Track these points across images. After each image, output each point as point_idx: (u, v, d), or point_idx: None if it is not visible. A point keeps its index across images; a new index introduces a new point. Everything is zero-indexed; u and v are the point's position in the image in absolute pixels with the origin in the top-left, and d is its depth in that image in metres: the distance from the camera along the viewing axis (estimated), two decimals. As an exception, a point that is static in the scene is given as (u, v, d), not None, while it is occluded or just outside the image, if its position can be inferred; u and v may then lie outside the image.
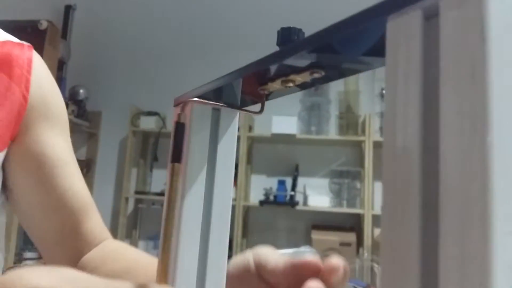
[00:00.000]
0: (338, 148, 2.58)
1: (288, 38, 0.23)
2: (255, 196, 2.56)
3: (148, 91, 2.82)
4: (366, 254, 2.34)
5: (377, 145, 2.35)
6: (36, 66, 0.50)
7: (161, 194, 2.72)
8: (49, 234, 0.51)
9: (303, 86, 0.24)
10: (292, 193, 2.46)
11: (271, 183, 2.55)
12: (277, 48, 0.22)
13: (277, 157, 2.64)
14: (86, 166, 2.81)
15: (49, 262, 0.53)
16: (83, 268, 0.50)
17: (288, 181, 2.52)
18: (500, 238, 0.11)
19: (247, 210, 2.51)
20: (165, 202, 0.28)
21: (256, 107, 0.28)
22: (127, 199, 2.69)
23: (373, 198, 2.39)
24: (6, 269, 0.50)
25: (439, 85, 0.13)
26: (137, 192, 2.77)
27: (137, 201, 2.82)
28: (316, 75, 0.22)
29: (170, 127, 2.55)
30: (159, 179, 2.80)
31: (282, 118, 2.37)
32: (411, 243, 0.14)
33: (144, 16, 2.93)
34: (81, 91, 2.71)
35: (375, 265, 2.15)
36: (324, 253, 2.25)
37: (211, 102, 0.28)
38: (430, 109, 0.14)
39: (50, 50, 2.09)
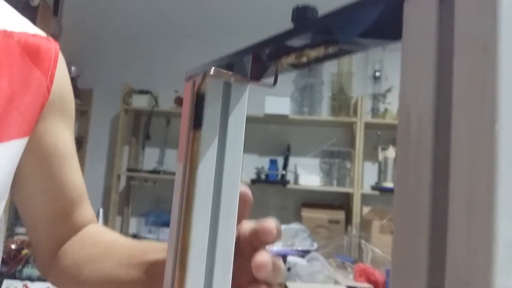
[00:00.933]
0: (330, 129, 2.61)
1: (303, 15, 0.24)
2: (247, 175, 2.59)
3: (140, 70, 2.80)
4: (354, 231, 2.40)
5: (368, 126, 2.39)
6: (60, 61, 0.52)
7: (153, 171, 2.74)
8: (43, 219, 0.54)
9: (316, 61, 0.25)
10: (284, 172, 2.49)
11: (263, 162, 2.58)
12: (285, 24, 0.24)
13: (269, 137, 2.66)
14: (78, 144, 2.79)
15: (36, 243, 0.57)
16: (64, 252, 0.54)
17: (280, 161, 2.55)
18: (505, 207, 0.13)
19: (238, 188, 2.55)
20: (181, 167, 0.30)
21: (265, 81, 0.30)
22: (118, 176, 2.70)
23: (363, 177, 2.44)
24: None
25: (453, 58, 0.15)
26: (129, 170, 2.78)
27: (129, 179, 2.84)
28: (330, 50, 0.23)
29: (162, 106, 2.55)
30: (151, 157, 2.81)
31: (275, 98, 2.38)
32: (422, 208, 0.16)
33: (135, -9, 2.88)
34: (73, 68, 2.67)
35: (363, 241, 2.21)
36: (314, 230, 2.31)
37: (226, 76, 0.29)
38: (444, 80, 0.15)
39: (41, 27, 2.05)
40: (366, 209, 2.32)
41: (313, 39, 0.23)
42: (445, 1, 0.16)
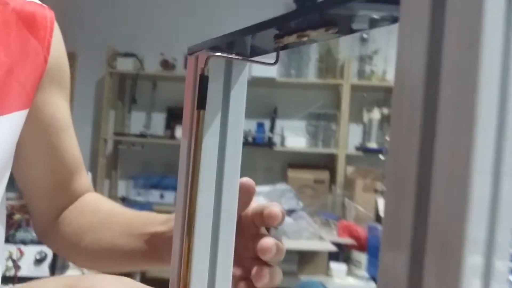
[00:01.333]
0: (316, 91, 2.64)
1: (305, -4, 0.25)
2: (234, 138, 2.62)
3: (125, 32, 2.73)
4: (338, 190, 2.49)
5: (354, 88, 2.42)
6: (56, 29, 0.51)
7: (140, 135, 2.74)
8: (42, 188, 0.55)
9: (315, 39, 0.27)
10: (270, 134, 2.53)
11: (250, 125, 2.61)
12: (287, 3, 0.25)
13: (256, 100, 2.67)
14: (62, 108, 2.77)
15: (34, 210, 0.58)
16: (64, 219, 0.56)
17: (267, 124, 2.59)
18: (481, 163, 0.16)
19: (226, 151, 2.59)
20: (186, 145, 0.32)
21: (268, 58, 0.32)
22: (105, 140, 2.70)
23: (347, 139, 2.50)
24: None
25: (442, 47, 0.17)
26: (116, 134, 2.77)
27: (116, 143, 2.84)
28: (330, 31, 0.25)
29: (148, 69, 2.51)
30: (137, 121, 2.80)
31: (261, 60, 2.37)
32: (411, 173, 0.18)
33: None
34: (52, 29, 2.59)
35: (346, 200, 2.31)
36: (299, 190, 2.38)
37: (229, 56, 0.31)
38: (434, 63, 0.18)
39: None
40: (350, 169, 2.40)
41: (314, 21, 0.25)
42: None
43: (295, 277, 1.76)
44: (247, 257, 0.37)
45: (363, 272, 1.72)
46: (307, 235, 1.89)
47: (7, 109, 0.46)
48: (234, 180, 0.34)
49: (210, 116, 0.32)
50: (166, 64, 2.64)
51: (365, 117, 2.39)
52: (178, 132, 2.62)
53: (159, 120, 2.83)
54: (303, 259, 1.81)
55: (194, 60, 0.34)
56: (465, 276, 0.15)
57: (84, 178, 0.59)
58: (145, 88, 2.76)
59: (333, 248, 1.79)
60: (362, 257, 1.79)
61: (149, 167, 2.84)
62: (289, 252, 1.74)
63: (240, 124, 0.35)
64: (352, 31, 0.26)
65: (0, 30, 0.45)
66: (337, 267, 1.79)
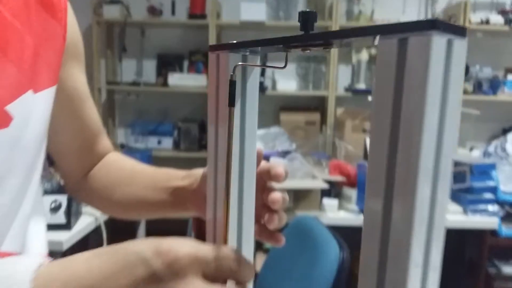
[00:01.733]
0: (305, 33, 2.64)
1: (307, 21, 0.33)
2: (226, 83, 2.67)
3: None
4: (328, 131, 2.60)
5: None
6: (69, 7, 0.54)
7: (133, 84, 2.77)
8: (70, 151, 0.63)
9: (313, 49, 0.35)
10: (262, 79, 2.58)
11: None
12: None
13: (247, 44, 2.68)
14: (52, 59, 2.75)
15: (65, 172, 0.66)
16: (92, 177, 0.64)
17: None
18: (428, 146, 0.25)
19: (219, 96, 2.64)
20: (214, 131, 0.41)
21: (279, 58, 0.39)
22: (99, 89, 2.73)
23: (337, 80, 2.57)
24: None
25: (403, 87, 0.26)
26: (108, 83, 2.79)
27: (109, 92, 2.87)
28: (326, 48, 0.33)
29: (135, 16, 2.47)
30: (129, 69, 2.81)
31: (250, 4, 2.36)
32: (383, 138, 0.27)
33: None
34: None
35: (337, 140, 2.43)
36: (292, 131, 2.49)
37: (252, 65, 0.39)
38: (399, 96, 0.26)
39: None
40: (339, 110, 2.49)
41: (315, 43, 0.33)
42: (402, 46, 0.26)
43: (292, 213, 1.87)
44: (258, 205, 0.46)
45: (354, 206, 1.87)
46: (301, 174, 2.02)
47: (40, 87, 0.49)
48: (252, 150, 0.43)
49: (237, 112, 0.40)
50: (153, 10, 2.60)
51: (354, 58, 2.43)
52: (171, 79, 2.65)
53: (150, 67, 2.84)
54: (298, 196, 1.92)
55: (215, 58, 0.42)
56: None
57: (106, 140, 0.67)
58: (134, 35, 2.73)
59: (325, 186, 1.90)
60: (352, 193, 1.93)
61: (145, 114, 2.90)
62: (285, 191, 1.87)
63: (255, 112, 0.43)
64: (343, 46, 0.34)
65: (22, 13, 0.47)
66: (329, 203, 1.93)
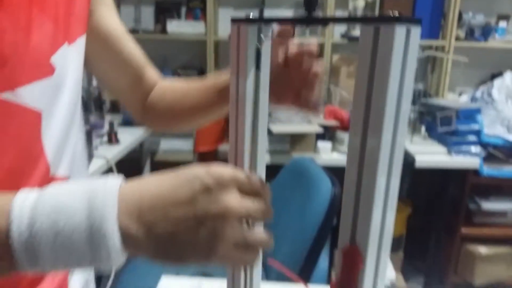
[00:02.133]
0: (303, -22, 2.63)
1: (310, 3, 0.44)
2: (224, 30, 2.71)
3: None
4: (324, 77, 2.69)
5: (340, -24, 2.43)
6: None
7: (133, 31, 2.79)
8: (123, 86, 0.70)
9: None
10: (260, 26, 2.61)
11: (239, 16, 2.66)
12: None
13: (244, -10, 2.68)
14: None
15: (125, 104, 0.73)
16: (152, 102, 0.71)
17: (255, 14, 2.64)
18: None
19: (217, 44, 2.69)
20: (235, 79, 0.53)
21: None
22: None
23: (333, 27, 2.61)
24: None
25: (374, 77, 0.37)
26: (108, 31, 2.81)
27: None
28: (324, 27, 0.44)
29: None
30: (127, 16, 2.82)
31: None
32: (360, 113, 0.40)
33: None
34: None
35: (332, 86, 2.53)
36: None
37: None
38: (371, 85, 0.38)
39: None
40: (335, 57, 2.56)
41: (316, 22, 0.44)
42: (378, 34, 0.37)
43: (288, 154, 2.01)
44: (298, 81, 0.57)
45: (346, 148, 2.01)
46: (298, 119, 2.14)
47: (72, 38, 0.54)
48: (265, 99, 0.54)
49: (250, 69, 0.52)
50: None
51: (350, 4, 2.46)
52: (170, 26, 2.68)
53: (148, 14, 2.86)
54: (295, 140, 2.03)
55: (236, 30, 0.52)
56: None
57: (153, 70, 0.72)
58: (132, -19, 2.72)
59: (320, 130, 2.02)
60: (345, 136, 2.07)
61: (145, 62, 2.94)
62: (283, 135, 2.01)
63: (267, 71, 0.54)
64: (338, 21, 0.45)
65: None
66: (324, 145, 2.07)
